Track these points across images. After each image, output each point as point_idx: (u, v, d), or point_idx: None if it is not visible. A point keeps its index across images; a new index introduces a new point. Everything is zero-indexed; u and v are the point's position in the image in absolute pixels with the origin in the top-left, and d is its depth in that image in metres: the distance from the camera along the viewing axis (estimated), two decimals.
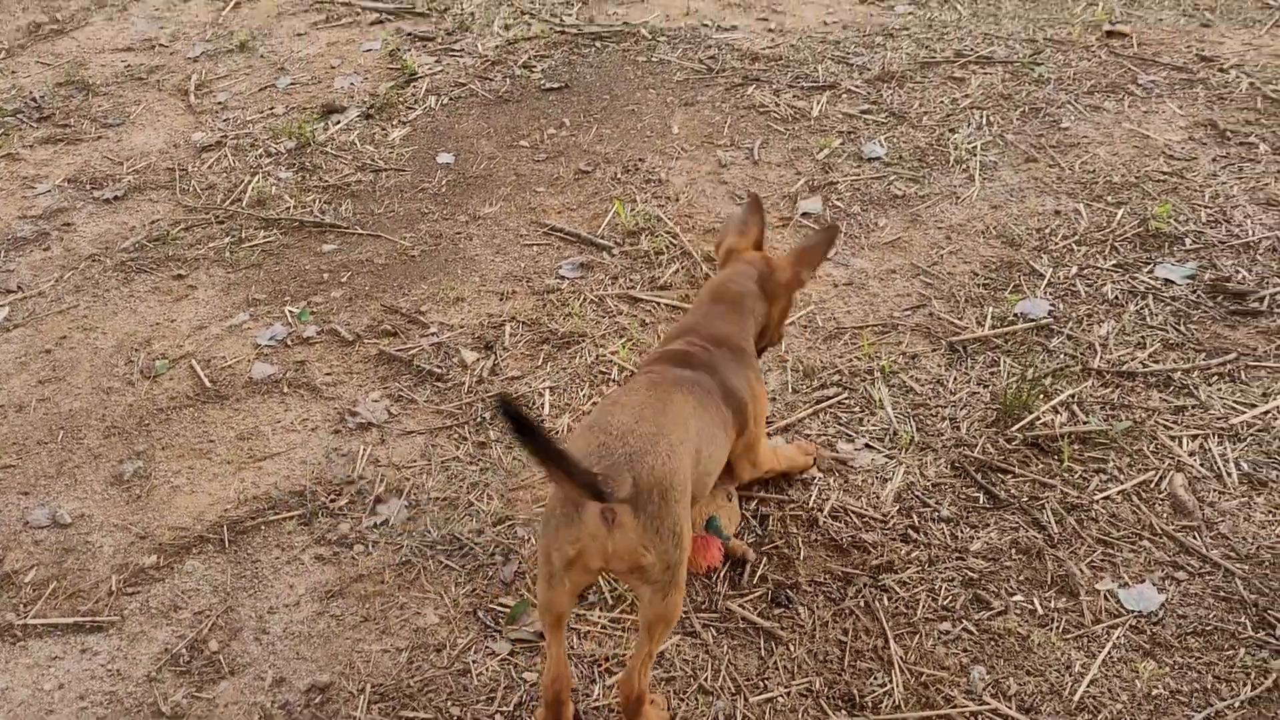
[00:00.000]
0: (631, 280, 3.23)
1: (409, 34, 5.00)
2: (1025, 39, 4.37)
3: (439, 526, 2.49)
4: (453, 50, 4.79)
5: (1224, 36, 4.22)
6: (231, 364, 3.04)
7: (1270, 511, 2.31)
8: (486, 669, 2.16)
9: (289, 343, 3.11)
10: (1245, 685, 1.98)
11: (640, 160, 3.81)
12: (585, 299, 3.17)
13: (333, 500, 2.58)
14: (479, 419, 2.78)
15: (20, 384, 3.02)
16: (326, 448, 2.74)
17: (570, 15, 5.00)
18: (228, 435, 2.80)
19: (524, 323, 3.11)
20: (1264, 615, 2.10)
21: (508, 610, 2.27)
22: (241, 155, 4.08)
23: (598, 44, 4.70)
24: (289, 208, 3.72)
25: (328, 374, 2.99)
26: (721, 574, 2.28)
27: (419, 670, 2.18)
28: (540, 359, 2.97)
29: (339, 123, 4.25)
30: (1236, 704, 1.95)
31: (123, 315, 3.26)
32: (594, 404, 2.78)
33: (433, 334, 3.09)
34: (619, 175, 3.75)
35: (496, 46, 4.77)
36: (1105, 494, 2.39)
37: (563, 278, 3.28)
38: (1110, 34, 4.30)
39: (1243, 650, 2.04)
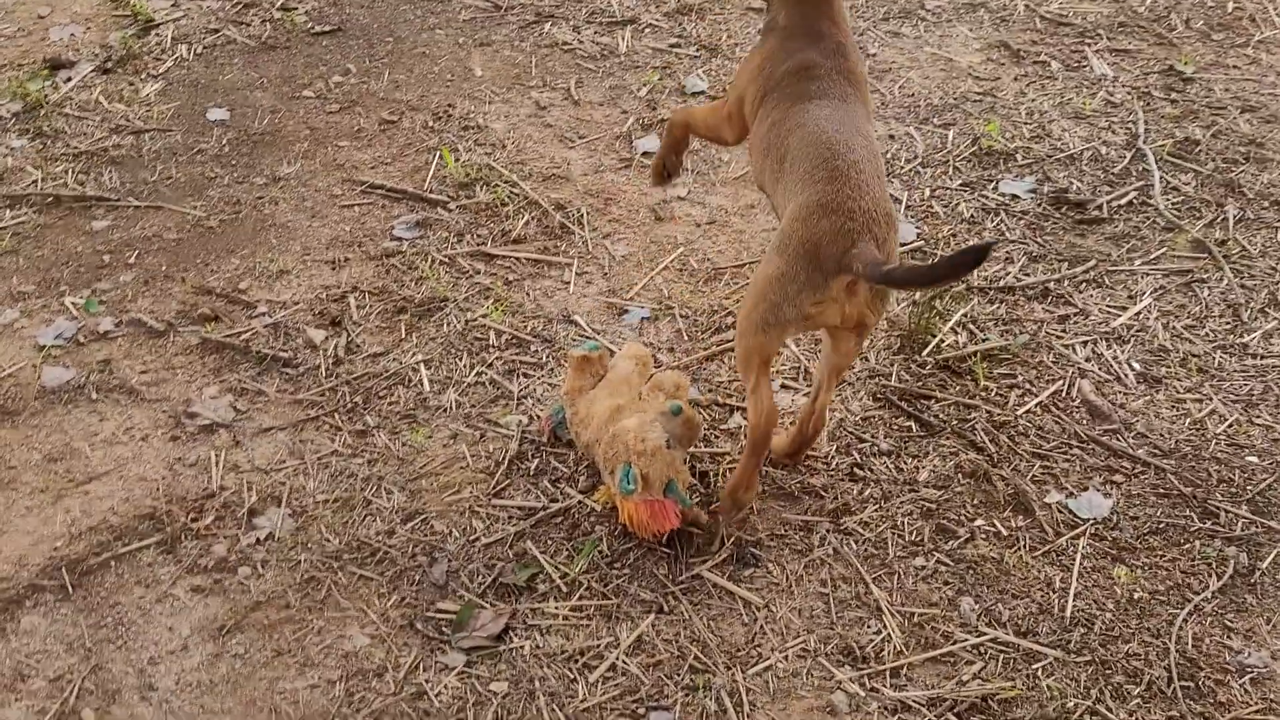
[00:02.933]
0: (479, 236, 2.94)
1: None
2: None
3: (338, 533, 2.14)
4: None
5: None
6: (11, 372, 2.49)
7: (1173, 406, 2.41)
8: (445, 687, 1.87)
9: (81, 339, 2.58)
10: (1211, 576, 2.04)
11: (450, 106, 3.48)
12: (433, 260, 2.84)
13: (194, 519, 2.16)
14: (350, 404, 2.42)
15: None
16: (167, 458, 2.29)
17: None
18: (32, 459, 2.28)
19: (369, 292, 2.74)
20: (1205, 505, 2.17)
21: (452, 616, 1.97)
22: None
23: None
24: (35, 181, 3.10)
25: (143, 372, 2.50)
26: (679, 540, 2.09)
27: (363, 702, 1.85)
28: (401, 330, 2.63)
29: (70, 80, 3.60)
30: (1209, 595, 2.00)
31: None
32: (479, 374, 2.49)
33: (263, 314, 2.67)
34: (430, 124, 3.40)
35: None
36: (1025, 408, 2.40)
37: (400, 239, 2.92)
38: None
39: (1198, 542, 2.10)
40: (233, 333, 2.60)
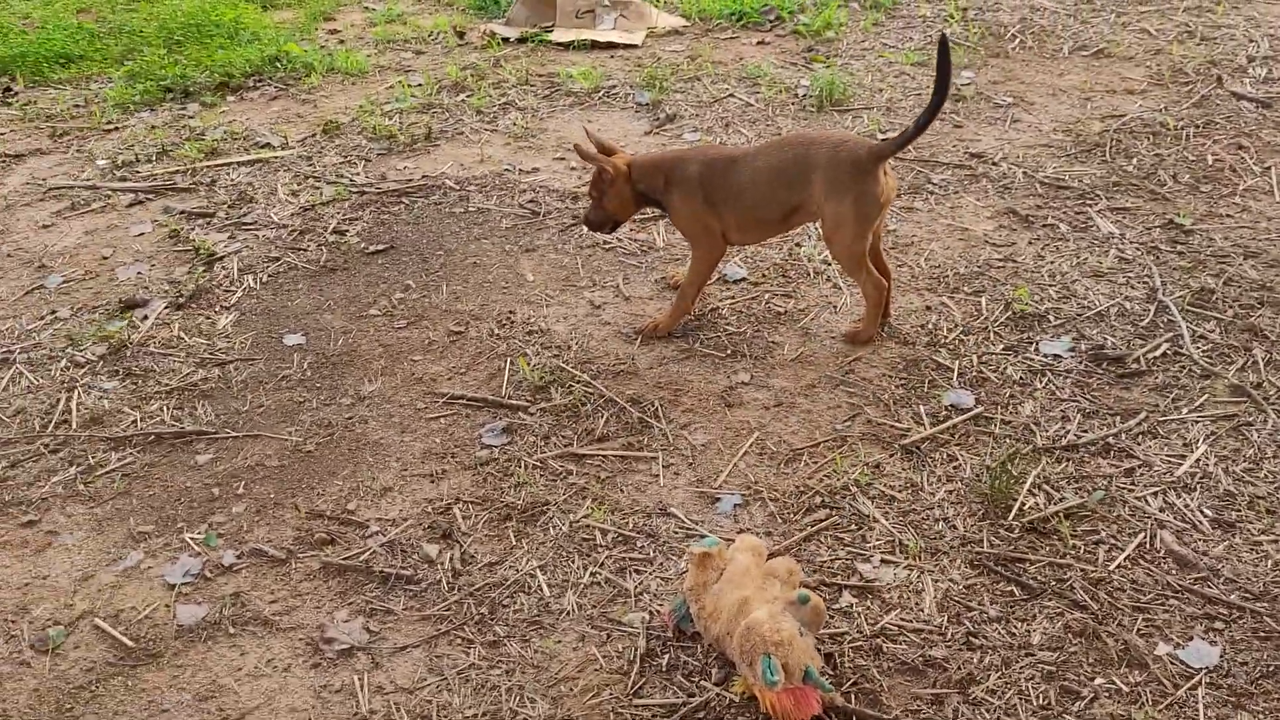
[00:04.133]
0: (564, 437, 3.10)
1: (181, 211, 4.59)
2: None
3: None
4: (245, 224, 4.45)
5: (978, 135, 4.76)
6: (146, 613, 2.59)
7: (1252, 548, 2.57)
8: None
9: (208, 574, 2.70)
10: None
11: (510, 313, 3.70)
12: (526, 465, 3.00)
13: None
14: (477, 616, 2.53)
15: None
16: (313, 687, 2.38)
17: (358, 175, 4.81)
18: (183, 700, 2.36)
19: (472, 502, 2.89)
20: None
21: None
22: (42, 371, 3.54)
23: (405, 200, 4.54)
24: (134, 421, 3.26)
25: (273, 601, 2.61)
26: None
27: None
28: (510, 537, 2.76)
29: (146, 318, 3.80)
30: None
31: None
32: (594, 574, 2.63)
33: (376, 533, 2.80)
34: (495, 331, 3.61)
35: (294, 214, 4.49)
36: (1116, 563, 2.55)
37: (490, 446, 3.09)
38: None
39: None
40: (351, 554, 2.72)
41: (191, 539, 2.80)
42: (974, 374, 3.24)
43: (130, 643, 2.50)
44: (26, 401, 3.38)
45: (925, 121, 2.99)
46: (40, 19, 7.30)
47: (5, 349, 3.66)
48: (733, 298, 3.71)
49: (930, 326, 3.46)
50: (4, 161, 5.17)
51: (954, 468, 2.89)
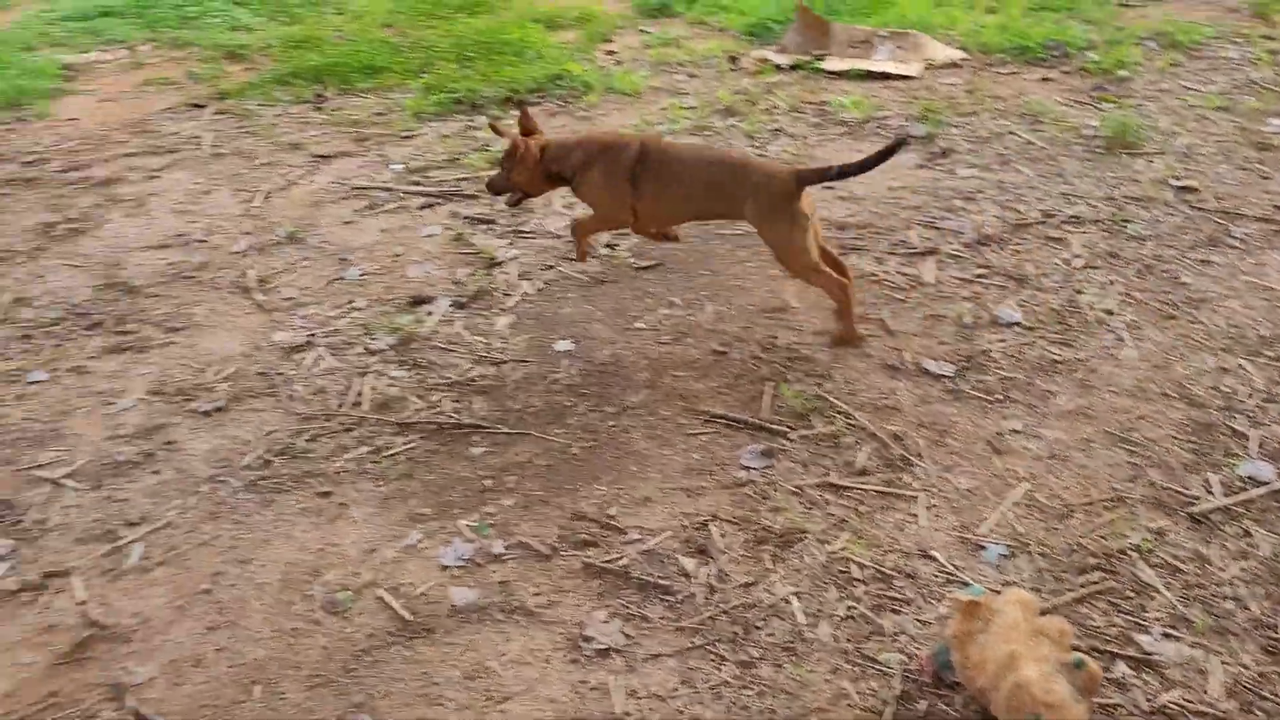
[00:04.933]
0: (823, 467, 3.09)
1: (466, 217, 4.88)
2: (1103, 197, 4.49)
3: None
4: (523, 233, 4.68)
5: None
6: (424, 591, 2.76)
7: None
8: None
9: (479, 561, 2.85)
10: None
11: (773, 337, 3.72)
12: (784, 490, 3.00)
13: None
14: (730, 634, 2.55)
15: (186, 634, 2.67)
16: (570, 681, 2.47)
17: None
18: (453, 676, 2.51)
19: (729, 521, 2.92)
20: None
21: None
22: (340, 355, 3.84)
23: None
24: (419, 410, 3.49)
25: (536, 594, 2.73)
26: None
27: None
28: (766, 561, 2.78)
29: (431, 314, 4.06)
30: None
31: (277, 543, 2.95)
32: (850, 608, 2.60)
33: (636, 540, 2.87)
34: (758, 354, 3.64)
35: (568, 226, 4.68)
36: None
37: (748, 468, 3.11)
38: (1183, 189, 4.45)
39: None
40: (610, 558, 2.81)
41: (466, 525, 2.97)
42: (1275, 445, 2.99)
43: (408, 616, 2.68)
44: (325, 382, 3.68)
45: (846, 173, 3.43)
46: (350, 32, 7.96)
47: (310, 332, 4.00)
48: (1004, 341, 3.59)
49: (1226, 389, 3.23)
50: (315, 161, 5.66)
51: (1248, 544, 2.68)
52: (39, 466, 3.29)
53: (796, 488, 3.01)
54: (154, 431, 3.46)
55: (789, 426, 3.26)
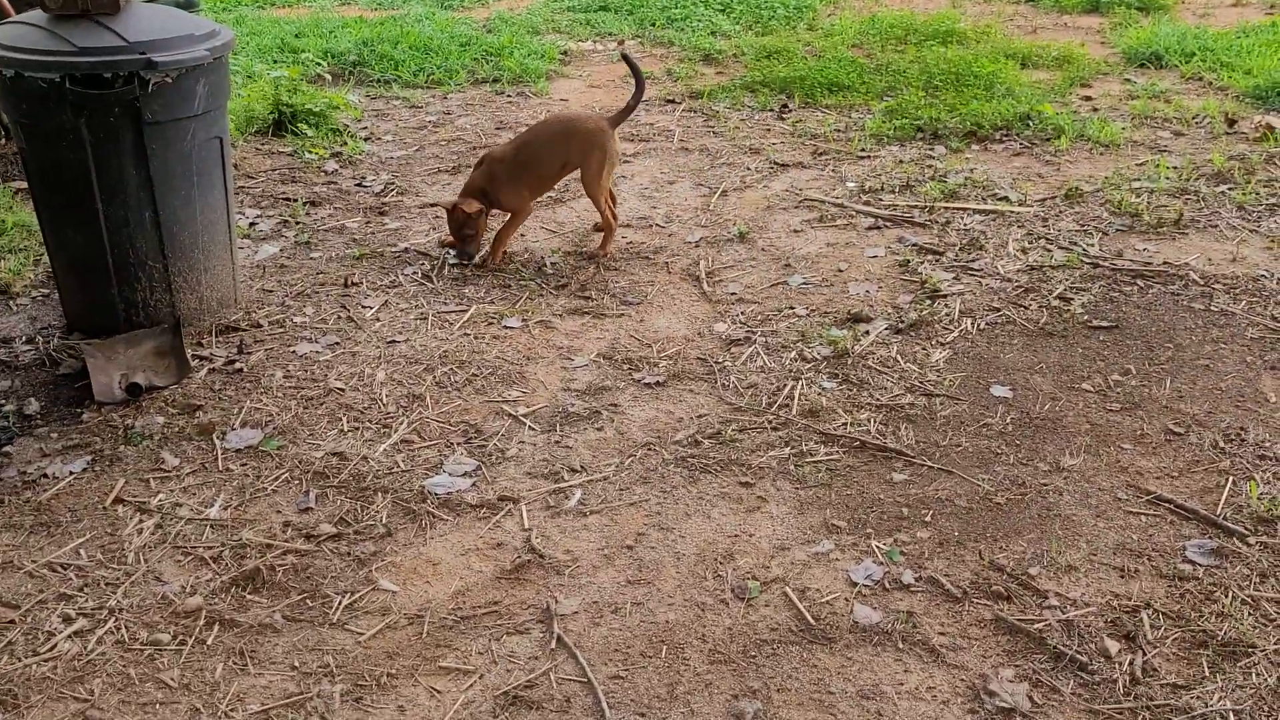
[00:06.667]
0: None
1: (914, 244, 4.86)
2: None
3: None
4: (970, 269, 4.58)
5: None
6: (828, 599, 2.79)
7: None
8: None
9: (887, 585, 2.84)
10: None
11: (1242, 430, 3.38)
12: (1234, 596, 2.72)
13: None
14: None
15: (609, 580, 2.88)
16: None
17: (1093, 247, 4.71)
18: (848, 690, 2.52)
19: (1163, 614, 2.69)
20: None
21: None
22: (775, 356, 3.97)
23: (1139, 283, 4.36)
24: (844, 424, 3.52)
25: (942, 633, 2.67)
26: None
27: None
28: (1203, 667, 2.53)
29: (868, 334, 4.08)
30: None
31: (696, 519, 3.11)
32: None
33: (1055, 607, 2.73)
34: (1220, 444, 3.32)
35: (1019, 270, 4.53)
36: None
37: (1194, 563, 2.86)
38: None
39: None
40: (1025, 618, 2.69)
41: (877, 547, 2.97)
42: None
43: (811, 620, 2.72)
44: (758, 379, 3.82)
45: (633, 104, 4.74)
46: (820, 49, 8.17)
47: (749, 329, 4.17)
48: None
49: None
50: (773, 168, 5.89)
51: None
52: (505, 402, 3.70)
53: (1251, 598, 2.73)
54: (601, 392, 3.77)
55: (1247, 529, 2.96)
